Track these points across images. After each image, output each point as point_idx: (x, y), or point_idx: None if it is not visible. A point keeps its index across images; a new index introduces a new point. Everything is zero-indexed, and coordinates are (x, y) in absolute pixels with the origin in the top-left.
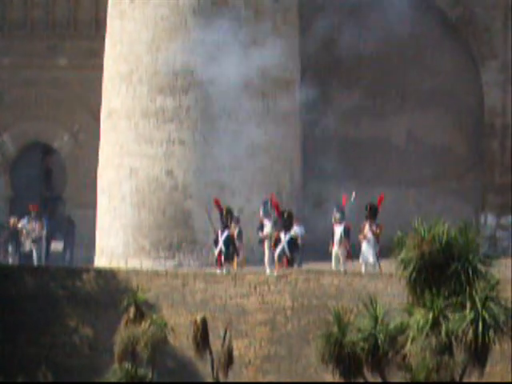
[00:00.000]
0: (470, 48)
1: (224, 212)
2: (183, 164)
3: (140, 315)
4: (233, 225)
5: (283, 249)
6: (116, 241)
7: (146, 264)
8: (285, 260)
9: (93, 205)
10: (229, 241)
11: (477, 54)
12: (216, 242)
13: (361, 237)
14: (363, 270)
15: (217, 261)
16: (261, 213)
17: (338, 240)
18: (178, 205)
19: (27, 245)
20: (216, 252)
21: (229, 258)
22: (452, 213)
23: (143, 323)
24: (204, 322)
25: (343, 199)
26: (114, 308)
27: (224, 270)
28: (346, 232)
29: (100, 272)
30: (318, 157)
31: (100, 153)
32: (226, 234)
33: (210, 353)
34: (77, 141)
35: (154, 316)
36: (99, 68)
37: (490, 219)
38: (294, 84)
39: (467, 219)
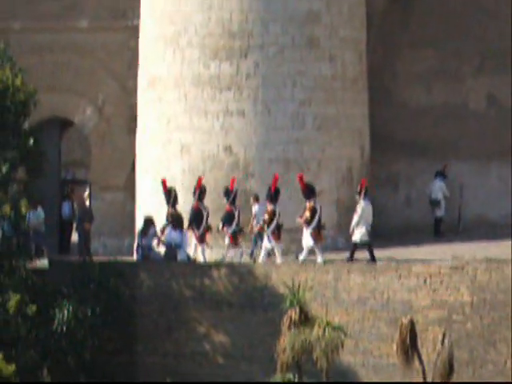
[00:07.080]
0: None
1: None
2: (244, 138)
3: (305, 318)
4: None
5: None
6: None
7: (206, 253)
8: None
9: (123, 188)
10: None
11: None
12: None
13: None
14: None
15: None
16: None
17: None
18: (239, 185)
19: None
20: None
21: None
22: None
23: (316, 327)
24: (412, 324)
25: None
26: (252, 309)
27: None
28: None
29: (233, 268)
30: (386, 127)
31: (139, 128)
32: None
33: (421, 361)
34: (102, 115)
35: (324, 318)
36: (126, 30)
37: None
38: (362, 44)
39: None
